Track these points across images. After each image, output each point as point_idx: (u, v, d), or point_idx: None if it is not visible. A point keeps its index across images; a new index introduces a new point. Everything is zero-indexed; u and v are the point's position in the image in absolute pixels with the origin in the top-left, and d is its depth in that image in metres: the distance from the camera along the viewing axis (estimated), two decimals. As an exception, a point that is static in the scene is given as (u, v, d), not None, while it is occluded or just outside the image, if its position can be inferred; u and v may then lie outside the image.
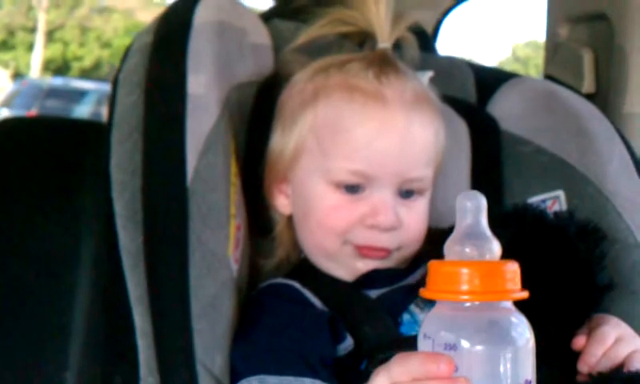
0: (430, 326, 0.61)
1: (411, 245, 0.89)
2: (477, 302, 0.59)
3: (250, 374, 0.77)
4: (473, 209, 0.61)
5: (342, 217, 0.86)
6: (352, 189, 0.86)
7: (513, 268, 0.60)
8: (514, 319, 0.59)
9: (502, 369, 0.57)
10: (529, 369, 0.58)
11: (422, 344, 0.61)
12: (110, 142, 0.81)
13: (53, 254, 0.96)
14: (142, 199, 0.77)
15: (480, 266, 0.59)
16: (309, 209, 0.88)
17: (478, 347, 0.58)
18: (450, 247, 0.61)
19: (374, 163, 0.84)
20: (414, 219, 0.88)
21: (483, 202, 0.61)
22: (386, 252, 0.87)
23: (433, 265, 0.61)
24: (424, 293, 0.62)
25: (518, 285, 0.60)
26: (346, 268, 0.88)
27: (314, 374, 0.76)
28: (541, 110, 1.07)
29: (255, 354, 0.79)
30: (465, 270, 0.58)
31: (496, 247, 0.61)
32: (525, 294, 0.59)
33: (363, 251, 0.87)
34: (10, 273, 0.95)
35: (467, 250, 0.60)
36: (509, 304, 0.60)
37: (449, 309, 0.60)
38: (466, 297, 0.58)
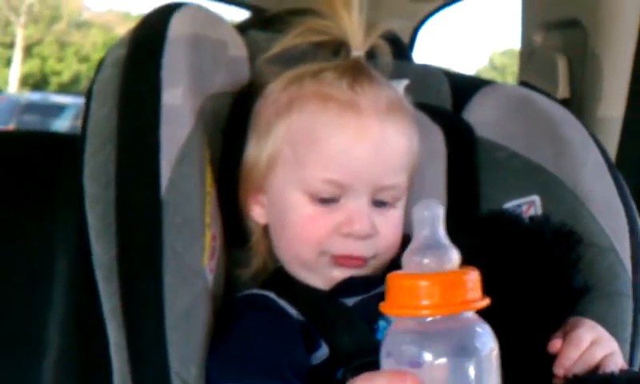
0: (392, 342, 0.60)
1: (386, 252, 0.89)
2: (438, 316, 0.58)
3: (223, 383, 0.76)
4: (430, 219, 0.60)
5: (319, 227, 0.86)
6: (328, 197, 0.86)
7: (473, 277, 0.59)
8: (478, 329, 0.59)
9: (467, 380, 0.57)
10: (494, 377, 0.58)
11: (386, 362, 0.60)
12: (83, 154, 0.80)
13: (27, 268, 0.95)
14: (115, 211, 0.77)
15: (439, 278, 0.58)
16: (285, 219, 0.88)
17: (442, 360, 0.57)
18: (408, 258, 0.60)
19: (349, 172, 0.84)
20: (389, 227, 0.88)
21: (440, 211, 0.61)
22: (362, 260, 0.87)
23: (392, 278, 0.60)
24: (384, 308, 0.60)
25: (479, 293, 0.59)
26: (322, 277, 0.88)
27: (286, 383, 0.76)
28: (515, 116, 1.07)
29: (228, 364, 0.78)
30: (424, 283, 0.57)
31: (455, 256, 0.60)
32: (485, 303, 0.59)
33: (340, 260, 0.86)
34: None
35: (426, 260, 0.59)
36: (471, 314, 0.59)
37: (410, 324, 0.59)
38: (426, 312, 0.57)
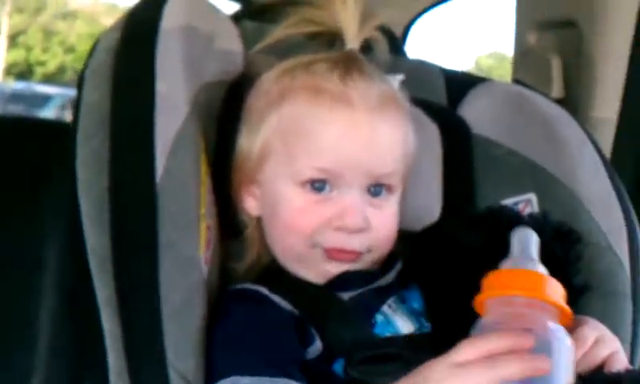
0: (490, 319, 0.68)
1: (381, 247, 0.88)
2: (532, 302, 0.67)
3: (223, 376, 0.75)
4: (525, 239, 0.72)
5: (310, 219, 0.85)
6: (318, 187, 0.85)
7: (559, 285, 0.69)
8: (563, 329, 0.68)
9: (562, 361, 0.65)
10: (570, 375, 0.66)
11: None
12: (75, 139, 0.79)
13: (18, 255, 0.94)
14: (109, 198, 0.75)
15: (536, 273, 0.69)
16: (276, 211, 0.87)
17: (546, 336, 0.65)
18: (505, 266, 0.71)
19: (340, 162, 0.84)
20: (383, 221, 0.87)
21: (534, 236, 0.72)
22: (355, 254, 0.86)
23: (492, 273, 0.71)
24: (480, 298, 0.70)
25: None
26: (315, 271, 0.87)
27: (286, 375, 0.75)
28: (511, 113, 1.07)
29: (227, 356, 0.77)
30: (521, 274, 0.69)
31: (543, 271, 0.70)
32: (569, 311, 0.69)
33: (332, 254, 0.86)
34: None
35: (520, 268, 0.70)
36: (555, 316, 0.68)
37: (502, 310, 0.68)
38: (528, 293, 0.67)
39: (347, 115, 0.84)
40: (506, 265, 0.71)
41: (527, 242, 0.71)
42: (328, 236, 0.85)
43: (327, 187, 0.85)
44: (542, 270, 0.70)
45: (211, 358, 0.78)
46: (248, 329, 0.80)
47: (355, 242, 0.85)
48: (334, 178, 0.84)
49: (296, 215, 0.85)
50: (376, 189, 0.87)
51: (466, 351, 0.65)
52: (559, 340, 0.65)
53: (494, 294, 0.68)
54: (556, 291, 0.68)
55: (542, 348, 0.64)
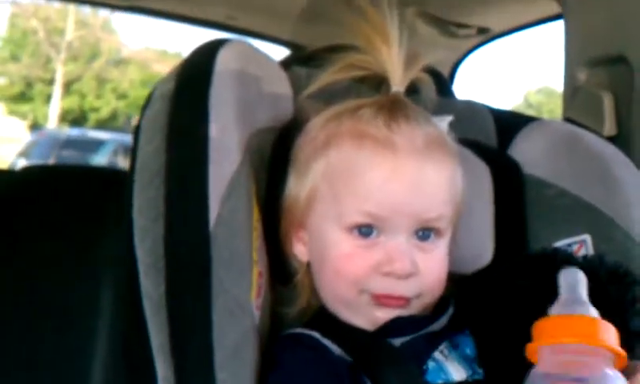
0: (542, 369, 0.66)
1: (431, 291, 0.87)
2: (583, 349, 0.65)
3: None
4: (574, 281, 0.70)
5: (357, 264, 0.85)
6: (365, 232, 0.84)
7: (612, 327, 0.67)
8: (619, 378, 0.66)
9: None
10: None
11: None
12: (131, 188, 0.81)
13: (72, 303, 0.95)
14: (164, 245, 0.77)
15: (586, 318, 0.67)
16: (324, 257, 0.87)
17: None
18: (554, 312, 0.70)
19: (385, 206, 0.84)
20: (431, 265, 0.86)
21: (583, 277, 0.71)
22: (405, 300, 0.85)
23: (541, 320, 0.69)
24: (532, 347, 0.68)
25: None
26: (365, 317, 0.86)
27: None
28: (564, 153, 1.06)
29: None
30: (572, 319, 0.67)
31: (594, 313, 0.69)
32: (623, 353, 0.67)
33: (381, 300, 0.85)
34: (29, 323, 0.95)
35: (570, 313, 0.68)
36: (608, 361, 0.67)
37: (554, 359, 0.66)
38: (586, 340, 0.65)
39: (391, 160, 0.84)
40: (555, 309, 0.70)
41: (576, 284, 0.70)
42: (376, 282, 0.84)
43: (374, 232, 0.85)
44: (593, 312, 0.68)
45: None
46: (304, 377, 0.79)
47: (403, 288, 0.85)
48: (380, 222, 0.84)
49: (344, 261, 0.85)
50: (424, 233, 0.86)
51: None
52: None
53: (546, 341, 0.67)
54: (609, 334, 0.67)
55: None
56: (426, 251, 0.86)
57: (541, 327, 0.68)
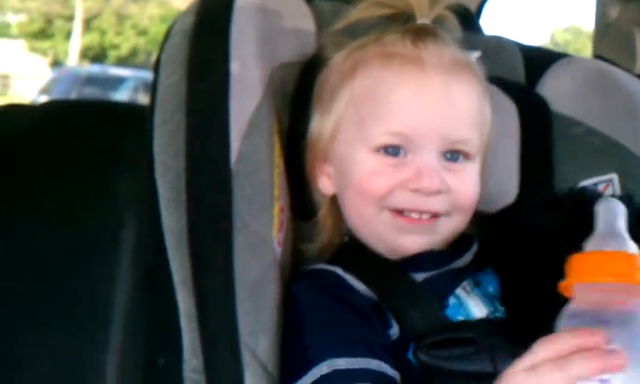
0: (576, 307, 0.65)
1: (461, 211, 0.86)
2: (620, 288, 0.63)
3: (317, 361, 0.76)
4: (613, 212, 0.67)
5: (383, 181, 0.83)
6: (393, 151, 0.83)
7: None
8: None
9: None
10: None
11: (570, 323, 0.64)
12: (152, 122, 0.80)
13: (93, 237, 0.96)
14: (185, 181, 0.76)
15: (622, 254, 0.64)
16: (349, 178, 0.86)
17: (624, 333, 0.61)
18: (591, 246, 0.67)
19: (413, 124, 0.82)
20: (462, 184, 0.85)
21: (621, 208, 0.67)
22: (433, 217, 0.84)
23: (576, 256, 0.66)
24: (569, 282, 0.66)
25: None
26: (386, 243, 0.85)
27: (376, 357, 0.75)
28: (592, 91, 1.03)
29: (315, 341, 0.78)
30: (609, 256, 0.64)
31: (633, 247, 0.66)
32: None
33: (404, 219, 0.84)
34: (50, 257, 0.96)
35: (607, 248, 0.65)
36: None
37: (591, 295, 0.64)
38: (614, 278, 0.63)
39: (418, 75, 0.83)
40: (593, 243, 0.67)
41: (614, 216, 0.67)
42: (400, 196, 0.83)
43: (402, 152, 0.84)
44: (631, 246, 0.66)
45: (299, 344, 0.78)
46: (331, 313, 0.80)
47: (433, 203, 0.83)
48: (407, 142, 0.83)
49: (368, 177, 0.84)
50: (453, 155, 0.85)
51: (539, 353, 0.64)
52: None
53: (582, 279, 0.65)
54: None
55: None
56: (455, 172, 0.85)
57: (577, 263, 0.66)
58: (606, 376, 0.60)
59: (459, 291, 0.85)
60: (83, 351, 0.94)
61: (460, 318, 0.83)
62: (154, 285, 0.79)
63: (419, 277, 0.84)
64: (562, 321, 0.65)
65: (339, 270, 0.85)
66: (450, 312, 0.83)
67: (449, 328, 0.81)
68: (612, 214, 0.67)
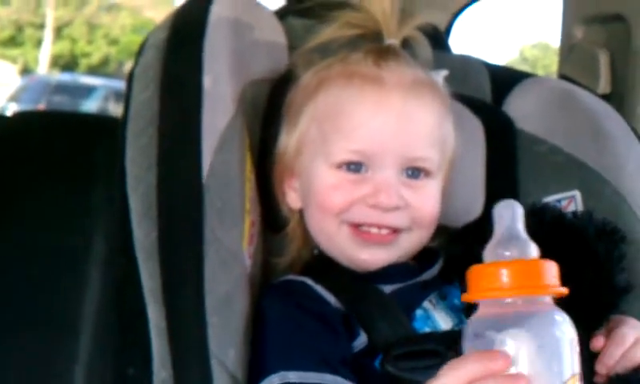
0: (477, 327, 0.64)
1: (423, 226, 0.88)
2: (519, 298, 0.62)
3: (271, 371, 0.76)
4: (510, 215, 0.65)
5: (340, 195, 0.85)
6: (355, 168, 0.85)
7: (552, 266, 0.63)
8: (557, 317, 0.63)
9: (548, 363, 0.61)
10: (574, 365, 0.62)
11: (471, 345, 0.64)
12: (125, 136, 0.81)
13: (64, 248, 0.95)
14: (157, 194, 0.77)
15: (521, 264, 0.63)
16: (311, 193, 0.88)
17: (524, 343, 0.61)
18: (490, 252, 0.65)
19: (372, 142, 0.84)
20: (421, 200, 0.87)
21: (520, 209, 0.65)
22: (394, 232, 0.86)
23: (474, 268, 0.65)
24: (468, 296, 0.65)
25: (558, 282, 0.63)
26: (349, 258, 0.87)
27: (333, 371, 0.76)
28: (557, 110, 1.06)
29: (274, 352, 0.78)
30: (506, 268, 0.62)
31: (534, 250, 0.64)
32: (564, 290, 0.63)
33: (362, 235, 0.85)
34: (20, 268, 0.95)
35: (507, 253, 0.64)
36: (551, 303, 0.64)
37: (493, 309, 0.63)
38: (509, 293, 0.62)
39: (378, 94, 0.85)
40: (492, 250, 0.65)
41: (514, 218, 0.65)
42: (359, 211, 0.85)
43: (363, 168, 0.85)
44: (531, 249, 0.64)
45: (259, 354, 0.79)
46: (295, 324, 0.81)
47: (392, 219, 0.85)
48: (367, 159, 0.85)
49: (328, 192, 0.86)
50: (414, 172, 0.86)
51: (449, 378, 0.65)
52: (558, 328, 0.63)
53: (481, 296, 0.64)
54: (548, 273, 0.63)
55: (543, 343, 0.62)
56: (415, 188, 0.86)
57: (476, 277, 0.65)
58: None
59: (426, 304, 0.87)
60: (52, 361, 0.94)
61: (427, 329, 0.84)
62: (124, 296, 0.80)
63: (387, 289, 0.86)
64: (467, 341, 0.65)
65: (309, 281, 0.86)
66: (417, 325, 0.85)
67: (415, 340, 0.82)
68: (511, 216, 0.65)
